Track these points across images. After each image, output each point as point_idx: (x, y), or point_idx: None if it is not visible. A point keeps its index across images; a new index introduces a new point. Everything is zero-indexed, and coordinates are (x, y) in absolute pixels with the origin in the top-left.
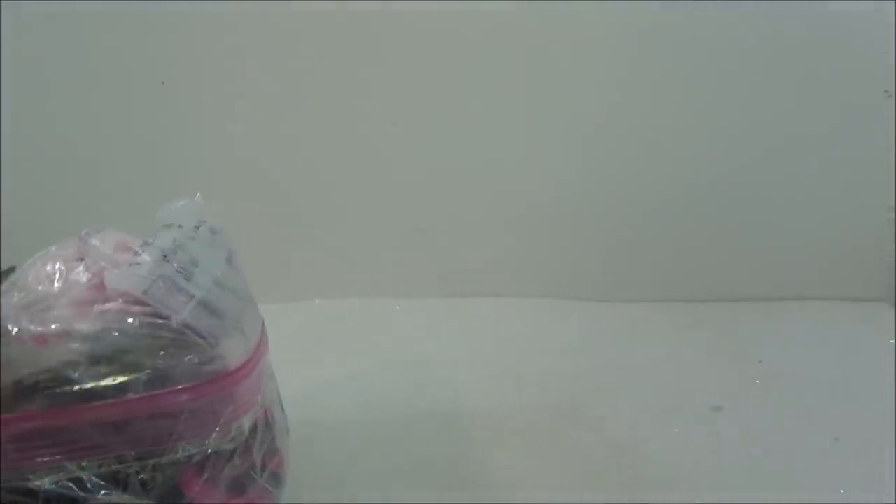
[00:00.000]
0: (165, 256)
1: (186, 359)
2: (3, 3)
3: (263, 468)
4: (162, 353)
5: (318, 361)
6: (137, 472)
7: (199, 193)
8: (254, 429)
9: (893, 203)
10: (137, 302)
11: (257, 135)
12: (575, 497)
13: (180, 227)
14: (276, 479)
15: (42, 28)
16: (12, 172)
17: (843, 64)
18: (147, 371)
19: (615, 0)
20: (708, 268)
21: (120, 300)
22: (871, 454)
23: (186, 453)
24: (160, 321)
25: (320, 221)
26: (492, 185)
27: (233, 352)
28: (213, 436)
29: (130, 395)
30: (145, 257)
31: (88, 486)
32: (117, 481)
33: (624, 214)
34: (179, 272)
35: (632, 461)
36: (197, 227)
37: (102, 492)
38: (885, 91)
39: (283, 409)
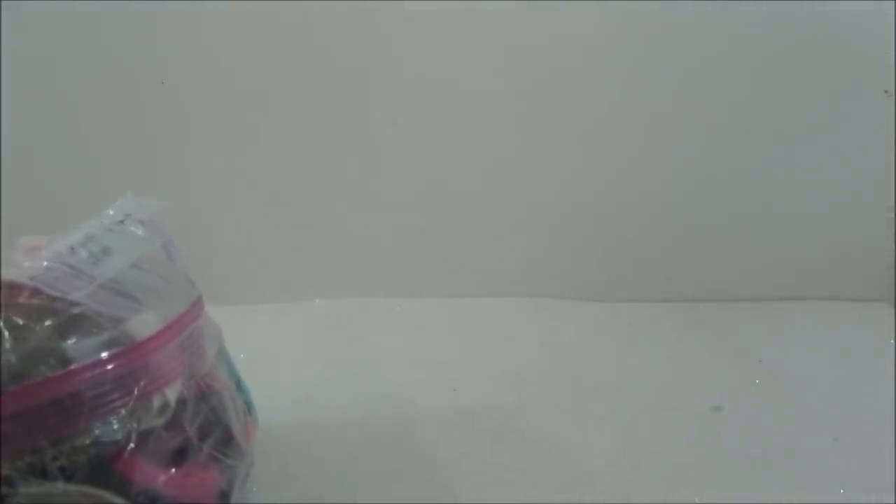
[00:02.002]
0: (73, 248)
1: (84, 337)
2: (3, 3)
3: (203, 439)
4: (54, 334)
5: (318, 361)
6: (55, 459)
7: (129, 192)
8: (183, 401)
9: (893, 203)
10: (32, 292)
11: (257, 135)
12: (575, 497)
13: (101, 221)
14: (229, 448)
15: (42, 28)
16: (12, 172)
17: (843, 64)
18: (44, 356)
19: (617, 0)
20: (708, 268)
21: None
22: (871, 454)
23: (103, 431)
24: (52, 304)
25: (320, 221)
26: (492, 185)
27: (143, 327)
28: (128, 410)
29: (28, 383)
30: (44, 252)
31: (5, 482)
32: (35, 471)
33: (624, 214)
34: (87, 260)
35: (631, 461)
36: (121, 221)
37: (22, 485)
38: (885, 91)
39: (238, 383)
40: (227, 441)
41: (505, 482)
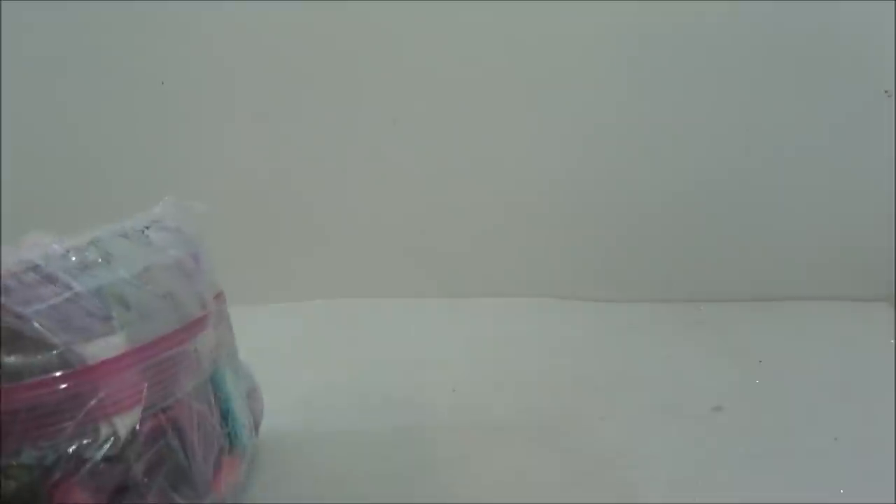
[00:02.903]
0: (67, 252)
1: (25, 354)
2: (2, 3)
3: (152, 477)
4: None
5: (318, 361)
6: None
7: (169, 196)
8: (135, 433)
9: (893, 203)
10: None
11: (257, 135)
12: (575, 497)
13: (122, 226)
14: (183, 488)
15: (42, 28)
16: (12, 172)
17: (843, 64)
18: None
19: (617, 1)
20: (708, 268)
21: None
22: (871, 454)
23: (36, 455)
24: None
25: (320, 222)
26: (492, 186)
27: (101, 349)
28: (66, 436)
29: None
30: (25, 253)
31: None
32: None
33: (624, 214)
34: (75, 266)
35: (632, 461)
36: (145, 227)
37: None
38: (885, 91)
39: (226, 414)
40: (182, 481)
41: (505, 482)
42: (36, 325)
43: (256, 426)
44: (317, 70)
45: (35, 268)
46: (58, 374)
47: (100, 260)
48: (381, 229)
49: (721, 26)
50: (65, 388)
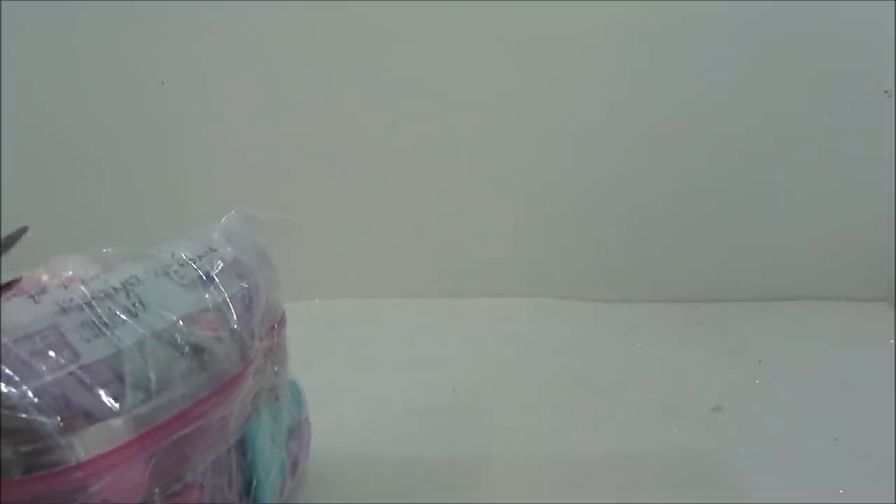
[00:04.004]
0: (90, 302)
1: (11, 445)
2: (2, 3)
3: None
4: None
5: (318, 362)
6: None
7: (236, 209)
8: None
9: (893, 203)
10: None
11: (256, 134)
12: (575, 497)
13: (172, 256)
14: None
15: (42, 28)
16: (12, 172)
17: (843, 64)
18: None
19: (617, 1)
20: (708, 268)
21: None
22: (871, 454)
23: None
24: None
25: (320, 221)
26: (492, 185)
27: (97, 440)
28: None
29: None
30: (45, 304)
31: None
32: None
33: (624, 214)
34: (92, 325)
35: (632, 461)
36: (196, 258)
37: None
38: (885, 91)
39: (257, 482)
40: None
41: (505, 482)
42: (22, 414)
43: (295, 467)
44: (317, 70)
45: (42, 332)
46: (41, 472)
47: (130, 309)
48: (380, 229)
49: (721, 26)
50: (46, 489)
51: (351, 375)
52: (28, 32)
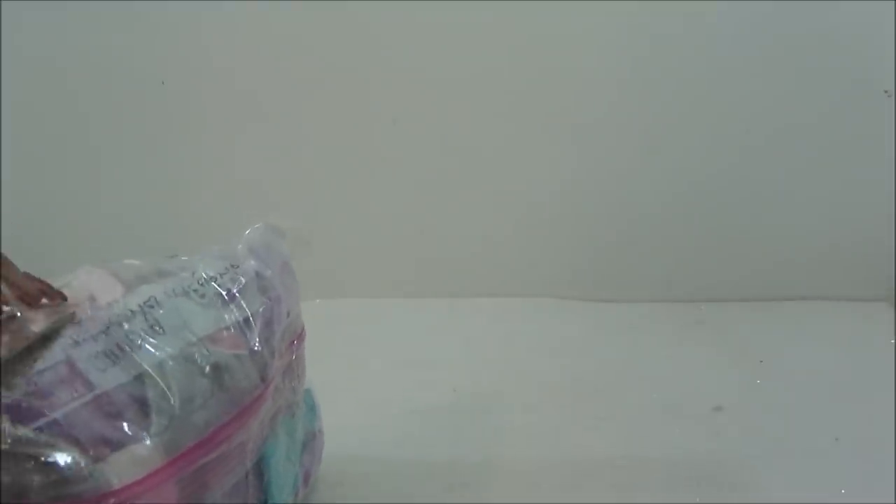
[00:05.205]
0: (107, 329)
1: (34, 476)
2: (2, 3)
3: None
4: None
5: (318, 362)
6: None
7: (262, 223)
8: None
9: (893, 203)
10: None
11: (256, 134)
12: (575, 497)
13: (193, 275)
14: None
15: (42, 28)
16: (12, 172)
17: (842, 64)
18: None
19: (616, 1)
20: (708, 268)
21: None
22: (871, 454)
23: None
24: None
25: (320, 221)
26: (491, 185)
27: (127, 466)
28: None
29: None
30: (73, 334)
31: None
32: None
33: (624, 215)
34: (109, 353)
35: (632, 461)
36: (217, 276)
37: None
38: (885, 91)
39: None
40: None
41: (506, 482)
42: (42, 440)
43: (308, 479)
44: (317, 70)
45: (54, 367)
46: (70, 500)
47: (145, 337)
48: (380, 229)
49: (721, 26)
50: None
51: (351, 375)
52: (28, 32)
